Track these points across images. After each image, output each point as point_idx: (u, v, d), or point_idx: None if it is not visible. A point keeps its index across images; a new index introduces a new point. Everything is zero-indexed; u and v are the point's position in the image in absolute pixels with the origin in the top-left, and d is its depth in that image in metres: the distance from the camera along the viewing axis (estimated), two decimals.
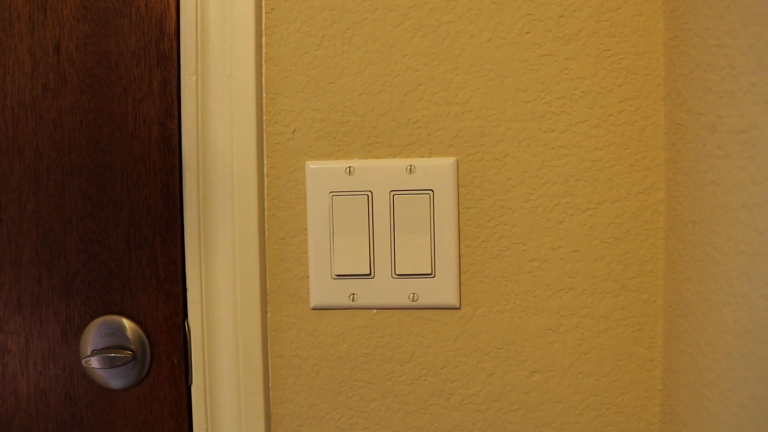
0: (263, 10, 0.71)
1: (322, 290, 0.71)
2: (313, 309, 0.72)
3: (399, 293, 0.70)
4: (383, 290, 0.70)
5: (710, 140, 0.59)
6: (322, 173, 0.70)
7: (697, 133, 0.61)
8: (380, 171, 0.70)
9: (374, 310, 0.71)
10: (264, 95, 0.71)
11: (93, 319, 0.73)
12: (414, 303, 0.70)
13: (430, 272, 0.70)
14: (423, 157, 0.70)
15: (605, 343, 0.70)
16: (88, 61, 0.71)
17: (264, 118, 0.71)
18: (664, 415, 0.69)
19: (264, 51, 0.71)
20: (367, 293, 0.70)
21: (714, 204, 0.58)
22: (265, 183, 0.72)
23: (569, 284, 0.69)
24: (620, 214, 0.68)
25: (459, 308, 0.70)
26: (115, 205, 0.72)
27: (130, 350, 0.72)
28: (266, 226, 0.72)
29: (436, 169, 0.69)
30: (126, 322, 0.72)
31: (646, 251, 0.69)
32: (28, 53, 0.72)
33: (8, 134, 0.72)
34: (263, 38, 0.71)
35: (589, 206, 0.69)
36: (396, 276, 0.70)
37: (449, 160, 0.69)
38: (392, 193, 0.70)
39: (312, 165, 0.71)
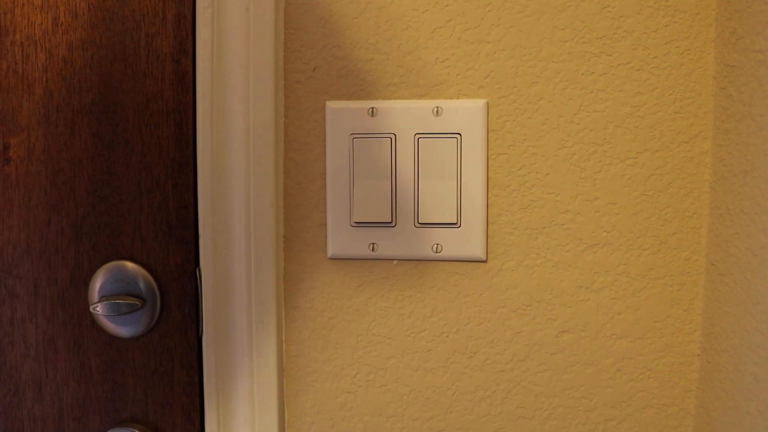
0: None
1: (340, 239, 0.67)
2: (331, 258, 0.68)
3: (422, 243, 0.66)
4: (405, 240, 0.66)
5: None
6: (343, 114, 0.66)
7: (753, 74, 0.56)
8: (405, 113, 0.65)
9: (395, 261, 0.68)
10: (283, 30, 0.67)
11: (102, 264, 0.70)
12: (437, 254, 0.66)
13: (455, 222, 0.65)
14: (451, 98, 0.65)
15: (641, 303, 0.65)
16: None
17: (283, 54, 0.67)
18: (703, 381, 0.64)
19: None
20: (388, 243, 0.67)
21: None
22: (283, 124, 0.68)
23: (604, 239, 0.65)
24: (662, 165, 0.64)
25: (485, 261, 0.66)
26: (126, 146, 0.69)
27: (140, 297, 0.69)
28: (283, 169, 0.68)
29: (465, 112, 0.65)
30: (136, 269, 0.69)
31: (689, 205, 0.64)
32: None
33: (17, 70, 0.69)
34: None
35: (629, 155, 0.64)
36: (419, 225, 0.66)
37: (479, 102, 0.65)
38: (417, 136, 0.65)
39: (332, 105, 0.66)
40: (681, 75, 0.63)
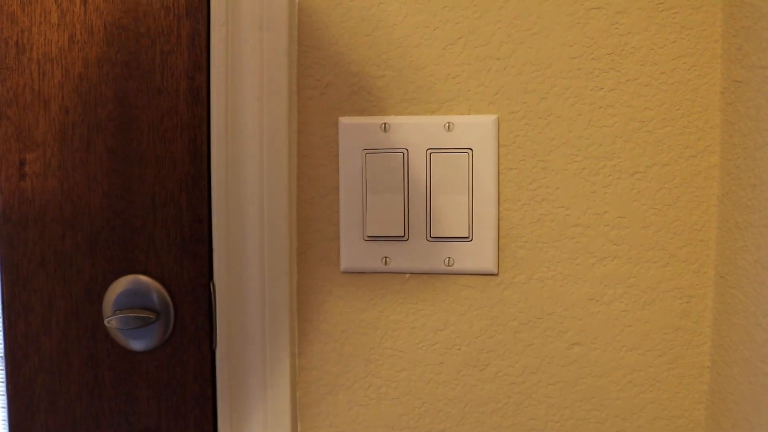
0: None
1: (353, 253, 0.68)
2: (344, 272, 0.69)
3: (434, 257, 0.67)
4: (417, 254, 0.67)
5: None
6: (355, 130, 0.67)
7: (760, 89, 0.57)
8: (417, 128, 0.66)
9: (407, 275, 0.68)
10: (296, 48, 0.68)
11: (116, 278, 0.71)
12: (449, 268, 0.67)
13: (467, 236, 0.66)
14: (462, 114, 0.66)
15: (651, 316, 0.66)
16: (116, 11, 0.69)
17: (296, 71, 0.68)
18: (713, 393, 0.65)
19: (297, 1, 0.68)
20: (401, 257, 0.67)
21: None
22: (296, 139, 0.69)
23: (614, 252, 0.66)
24: (670, 179, 0.64)
25: (497, 274, 0.67)
26: (141, 161, 0.70)
27: (154, 311, 0.69)
28: (296, 184, 0.69)
29: (476, 127, 0.66)
30: (150, 282, 0.70)
31: (698, 219, 0.65)
32: (55, 4, 0.70)
33: (34, 87, 0.70)
34: None
35: (638, 170, 0.65)
36: (431, 239, 0.67)
37: (490, 118, 0.66)
38: (429, 151, 0.66)
39: (345, 121, 0.68)
40: (688, 90, 0.64)
